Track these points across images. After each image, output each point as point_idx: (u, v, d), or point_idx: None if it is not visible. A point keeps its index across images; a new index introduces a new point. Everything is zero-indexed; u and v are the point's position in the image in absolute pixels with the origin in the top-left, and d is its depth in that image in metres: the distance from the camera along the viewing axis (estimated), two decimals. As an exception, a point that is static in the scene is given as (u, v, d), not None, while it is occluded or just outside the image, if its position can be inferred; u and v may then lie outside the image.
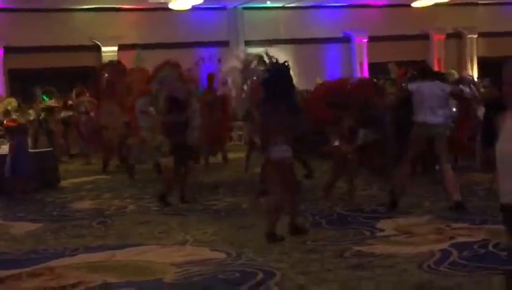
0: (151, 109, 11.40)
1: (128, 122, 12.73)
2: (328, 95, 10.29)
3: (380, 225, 7.54)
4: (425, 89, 8.23)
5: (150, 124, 11.44)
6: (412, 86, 8.58)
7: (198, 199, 10.00)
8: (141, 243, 7.30)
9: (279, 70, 7.91)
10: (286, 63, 8.64)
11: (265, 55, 13.16)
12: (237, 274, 5.77)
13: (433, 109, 8.12)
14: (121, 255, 6.71)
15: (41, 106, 17.14)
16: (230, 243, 7.01)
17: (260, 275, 5.69)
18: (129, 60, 15.41)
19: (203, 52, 21.21)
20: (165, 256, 6.57)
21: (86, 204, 10.23)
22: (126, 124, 12.74)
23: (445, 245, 6.42)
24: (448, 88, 8.57)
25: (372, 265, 5.84)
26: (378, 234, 7.15)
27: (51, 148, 13.26)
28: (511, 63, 3.72)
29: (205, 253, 6.65)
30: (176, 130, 10.20)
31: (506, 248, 4.19)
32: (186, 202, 9.79)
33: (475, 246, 6.34)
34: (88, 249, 7.08)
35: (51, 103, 17.44)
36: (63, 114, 17.78)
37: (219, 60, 15.29)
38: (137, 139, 12.08)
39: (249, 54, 13.75)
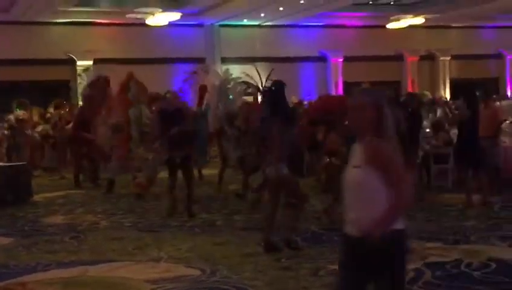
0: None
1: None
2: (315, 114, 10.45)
3: (355, 244, 7.55)
4: None
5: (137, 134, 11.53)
6: None
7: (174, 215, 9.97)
8: (115, 259, 7.23)
9: (282, 87, 7.84)
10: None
11: (242, 76, 13.24)
12: (212, 291, 5.75)
13: None
14: (94, 271, 6.64)
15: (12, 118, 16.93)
16: (205, 259, 6.99)
17: (235, 293, 5.68)
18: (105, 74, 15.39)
19: (180, 68, 21.35)
20: (139, 272, 6.52)
21: (58, 219, 10.11)
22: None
23: (418, 265, 6.45)
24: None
25: (347, 284, 5.85)
26: (353, 253, 7.17)
27: (24, 163, 13.07)
28: (358, 90, 3.83)
29: (180, 270, 6.62)
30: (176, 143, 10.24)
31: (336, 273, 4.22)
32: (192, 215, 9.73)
33: (448, 266, 6.40)
34: (61, 265, 6.99)
35: (19, 115, 17.26)
36: (41, 127, 17.62)
37: (194, 73, 15.36)
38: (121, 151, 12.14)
39: (227, 73, 13.83)
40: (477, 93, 9.98)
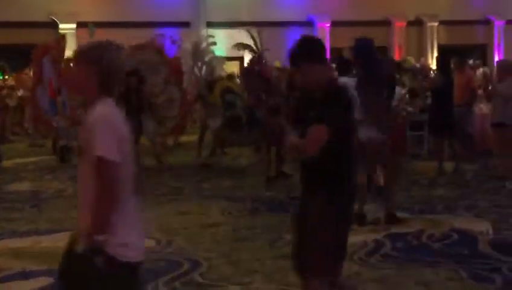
0: None
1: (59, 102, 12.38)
2: None
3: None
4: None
5: None
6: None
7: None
8: (72, 228, 7.02)
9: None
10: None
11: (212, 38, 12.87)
12: (162, 263, 5.59)
13: None
14: (47, 241, 6.46)
15: None
16: (163, 230, 6.83)
17: (186, 265, 5.52)
18: (87, 38, 15.07)
19: (163, 32, 20.94)
20: (93, 242, 6.35)
21: (24, 186, 9.92)
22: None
23: (379, 236, 6.33)
24: None
25: (302, 255, 5.71)
26: (315, 222, 7.03)
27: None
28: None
29: (135, 240, 6.46)
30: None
31: None
32: None
33: (409, 237, 6.26)
34: (15, 234, 6.83)
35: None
36: (21, 92, 17.36)
37: (174, 42, 15.00)
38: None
39: (200, 36, 13.48)
40: (453, 59, 9.75)
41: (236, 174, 10.49)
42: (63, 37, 14.15)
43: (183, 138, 14.57)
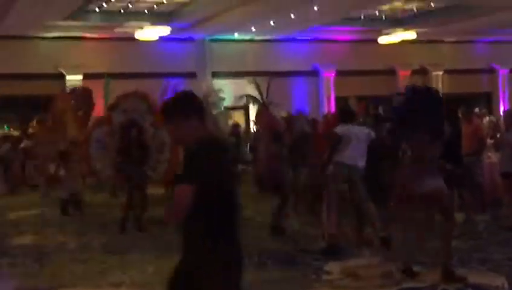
0: (107, 139, 11.09)
1: (62, 151, 12.32)
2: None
3: (328, 266, 7.21)
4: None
5: (102, 154, 11.08)
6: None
7: (145, 234, 9.66)
8: (75, 284, 6.88)
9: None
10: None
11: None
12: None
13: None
14: (47, 299, 6.29)
15: None
16: None
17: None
18: (94, 89, 15.12)
19: (166, 82, 21.02)
20: (95, 300, 6.17)
21: (26, 239, 9.76)
22: (60, 154, 12.34)
23: (391, 291, 6.11)
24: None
25: (311, 313, 5.50)
26: (324, 277, 6.83)
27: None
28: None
29: (139, 297, 6.27)
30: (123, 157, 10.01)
31: None
32: (142, 230, 9.85)
33: (422, 293, 6.05)
34: (16, 291, 6.64)
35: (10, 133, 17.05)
36: (24, 144, 17.33)
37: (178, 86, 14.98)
38: (84, 169, 11.70)
39: (211, 88, 13.45)
40: (460, 109, 9.63)
41: (243, 225, 10.26)
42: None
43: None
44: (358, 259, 7.56)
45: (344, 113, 8.82)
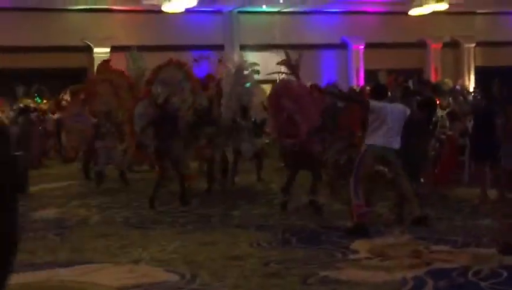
0: (150, 111, 10.97)
1: (96, 124, 12.23)
2: None
3: (354, 245, 6.95)
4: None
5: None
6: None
7: (169, 209, 9.50)
8: (93, 259, 6.71)
9: None
10: None
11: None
12: (185, 302, 5.21)
13: None
14: (65, 275, 6.10)
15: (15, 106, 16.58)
16: (188, 262, 6.43)
17: (210, 304, 5.13)
18: (122, 62, 14.90)
19: (198, 53, 20.77)
20: (113, 277, 5.98)
21: (49, 213, 9.65)
22: (94, 126, 12.24)
23: (420, 272, 5.83)
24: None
25: (336, 295, 5.27)
26: (351, 256, 6.57)
27: (18, 153, 12.60)
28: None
29: (158, 274, 6.07)
30: (158, 135, 9.85)
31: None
32: (187, 203, 9.72)
33: (453, 274, 5.75)
34: (34, 266, 6.47)
35: (31, 103, 16.97)
36: (57, 115, 17.29)
37: (220, 61, 14.73)
38: (130, 144, 11.60)
39: (244, 60, 13.14)
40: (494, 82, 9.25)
41: (269, 200, 10.06)
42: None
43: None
44: (386, 238, 7.29)
45: (376, 89, 8.36)
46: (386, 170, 8.16)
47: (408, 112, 7.85)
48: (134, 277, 6.00)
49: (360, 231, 7.38)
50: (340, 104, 10.11)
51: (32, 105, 17.12)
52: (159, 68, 11.46)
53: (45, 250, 7.19)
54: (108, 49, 21.76)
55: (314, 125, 9.02)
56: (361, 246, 6.88)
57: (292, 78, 9.89)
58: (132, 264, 6.48)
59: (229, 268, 6.17)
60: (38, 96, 18.26)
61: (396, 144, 7.60)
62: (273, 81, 20.72)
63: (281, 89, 9.65)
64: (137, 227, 8.39)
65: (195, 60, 13.09)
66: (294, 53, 10.83)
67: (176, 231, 8.02)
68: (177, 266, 6.31)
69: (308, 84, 14.93)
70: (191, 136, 10.93)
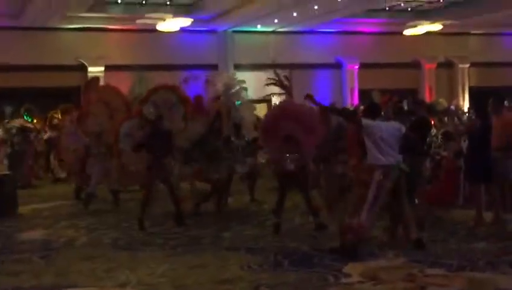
0: (139, 133, 10.84)
1: (88, 145, 12.08)
2: None
3: (347, 268, 6.78)
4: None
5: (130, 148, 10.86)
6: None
7: (160, 230, 9.33)
8: (78, 283, 6.53)
9: None
10: None
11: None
12: (171, 328, 5.03)
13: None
14: (48, 299, 5.95)
15: (10, 126, 16.41)
16: (176, 286, 6.27)
17: (196, 331, 4.95)
18: (115, 81, 14.81)
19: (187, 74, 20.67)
20: (98, 302, 5.82)
21: (36, 234, 9.46)
22: (85, 147, 12.08)
23: (414, 296, 5.69)
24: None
25: (327, 321, 5.09)
26: (343, 280, 6.40)
27: (7, 173, 12.47)
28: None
29: (144, 299, 5.91)
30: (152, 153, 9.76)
31: None
32: (182, 224, 9.61)
33: (448, 299, 5.61)
34: (17, 290, 6.32)
35: (26, 123, 16.83)
36: (48, 134, 17.13)
37: (207, 81, 14.62)
38: (116, 163, 11.45)
39: (232, 78, 13.09)
40: (490, 101, 9.09)
41: (261, 222, 9.89)
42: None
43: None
44: (379, 260, 7.13)
45: (370, 107, 8.21)
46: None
47: (403, 129, 7.74)
48: (120, 301, 5.83)
49: (350, 252, 7.21)
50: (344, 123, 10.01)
51: (29, 125, 16.95)
52: (155, 90, 11.32)
53: (30, 273, 7.00)
54: (102, 68, 21.70)
55: (322, 138, 8.91)
56: (354, 270, 6.71)
57: (287, 97, 9.80)
58: (118, 288, 6.30)
59: (217, 292, 6.01)
60: (27, 115, 18.11)
61: (395, 159, 7.48)
62: (267, 101, 20.76)
63: (277, 111, 9.56)
64: (126, 249, 8.22)
65: (185, 81, 12.97)
66: (285, 72, 10.77)
67: (165, 254, 7.84)
68: (164, 290, 6.15)
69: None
70: (188, 158, 10.81)
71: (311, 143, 9.02)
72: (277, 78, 9.88)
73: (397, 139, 7.56)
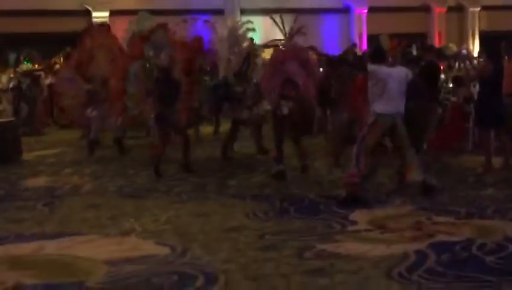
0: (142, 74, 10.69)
1: (90, 90, 11.88)
2: None
3: (354, 216, 6.68)
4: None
5: (137, 90, 10.72)
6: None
7: (165, 177, 9.23)
8: (82, 231, 6.45)
9: None
10: None
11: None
12: (175, 277, 4.94)
13: None
14: (51, 248, 5.84)
15: (20, 70, 16.23)
16: (180, 234, 6.18)
17: (200, 280, 4.86)
18: (120, 26, 14.48)
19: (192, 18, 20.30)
20: (101, 250, 5.71)
21: (40, 181, 9.36)
22: (88, 93, 11.89)
23: (422, 245, 5.56)
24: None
25: (333, 270, 4.98)
26: (350, 227, 6.29)
27: (11, 119, 12.35)
28: None
29: (148, 247, 5.81)
30: (161, 100, 9.55)
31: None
32: (191, 171, 9.43)
33: (457, 247, 5.48)
34: (19, 238, 6.22)
35: (33, 68, 16.63)
36: (49, 80, 16.92)
37: (206, 22, 14.26)
38: (118, 107, 11.28)
39: (236, 22, 12.79)
40: (502, 47, 8.85)
41: (267, 168, 9.74)
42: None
43: (208, 129, 13.93)
44: (386, 208, 7.02)
45: (375, 52, 7.91)
46: (388, 143, 7.91)
47: (410, 74, 7.54)
48: (123, 249, 5.75)
49: (350, 202, 7.10)
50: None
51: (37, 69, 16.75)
52: (153, 30, 11.14)
53: (33, 221, 6.93)
54: (107, 13, 21.33)
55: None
56: (360, 217, 6.61)
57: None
58: (122, 236, 6.22)
59: (222, 241, 5.91)
60: (28, 61, 17.86)
61: (401, 107, 7.33)
62: (274, 46, 20.42)
63: (288, 53, 9.34)
64: (130, 196, 8.12)
65: (184, 21, 12.63)
66: (291, 17, 10.47)
67: (170, 201, 7.75)
68: (168, 238, 6.06)
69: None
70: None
71: (309, 87, 8.89)
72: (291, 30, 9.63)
73: (403, 86, 7.38)
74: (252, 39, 10.87)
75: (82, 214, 7.19)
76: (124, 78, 10.98)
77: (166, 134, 9.83)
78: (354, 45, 19.75)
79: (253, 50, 11.10)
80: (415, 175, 7.48)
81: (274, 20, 9.76)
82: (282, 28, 9.50)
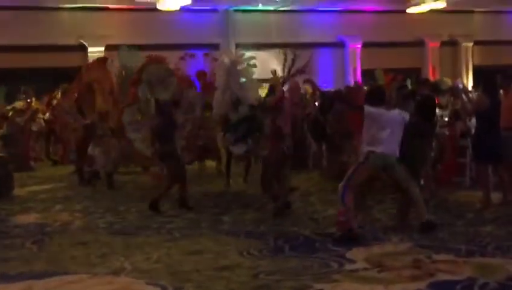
0: (139, 117, 10.56)
1: (87, 125, 11.78)
2: None
3: (351, 254, 6.50)
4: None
5: (141, 134, 10.56)
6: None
7: (157, 214, 9.05)
8: (70, 270, 6.25)
9: None
10: None
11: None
12: (166, 320, 4.77)
13: None
14: (38, 288, 5.65)
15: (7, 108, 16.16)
16: (172, 273, 5.99)
17: (192, 322, 4.69)
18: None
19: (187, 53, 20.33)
20: (89, 290, 5.54)
21: (30, 218, 9.17)
22: (85, 127, 11.77)
23: (422, 285, 5.38)
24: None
25: (330, 311, 4.82)
26: (347, 266, 6.11)
27: (1, 155, 12.19)
28: None
29: (139, 287, 5.62)
30: (162, 137, 9.38)
31: None
32: (190, 208, 9.26)
33: (458, 287, 5.31)
34: (6, 278, 6.01)
35: (18, 105, 16.53)
36: (47, 115, 16.82)
37: (206, 55, 14.21)
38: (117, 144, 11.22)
39: (240, 55, 12.71)
40: (498, 80, 8.76)
41: (262, 205, 9.57)
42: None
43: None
44: (384, 245, 6.84)
45: (373, 93, 7.72)
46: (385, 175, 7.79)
47: (407, 116, 7.43)
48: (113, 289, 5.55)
49: (346, 240, 6.94)
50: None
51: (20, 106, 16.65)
52: (141, 69, 10.96)
53: (21, 260, 6.72)
54: (102, 48, 21.35)
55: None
56: (357, 255, 6.43)
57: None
58: (112, 275, 6.02)
59: (215, 280, 5.72)
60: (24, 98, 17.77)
61: (396, 151, 7.22)
62: (269, 80, 20.46)
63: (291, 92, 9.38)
64: (121, 234, 7.93)
65: (182, 58, 12.61)
66: (290, 52, 10.43)
67: (161, 238, 7.56)
68: (160, 277, 5.86)
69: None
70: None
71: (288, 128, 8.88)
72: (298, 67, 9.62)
73: (400, 130, 7.27)
74: (275, 72, 10.75)
75: (71, 252, 6.99)
76: (122, 129, 10.93)
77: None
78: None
79: (277, 83, 10.86)
80: (424, 213, 7.36)
81: (285, 55, 9.75)
82: (290, 64, 9.49)
